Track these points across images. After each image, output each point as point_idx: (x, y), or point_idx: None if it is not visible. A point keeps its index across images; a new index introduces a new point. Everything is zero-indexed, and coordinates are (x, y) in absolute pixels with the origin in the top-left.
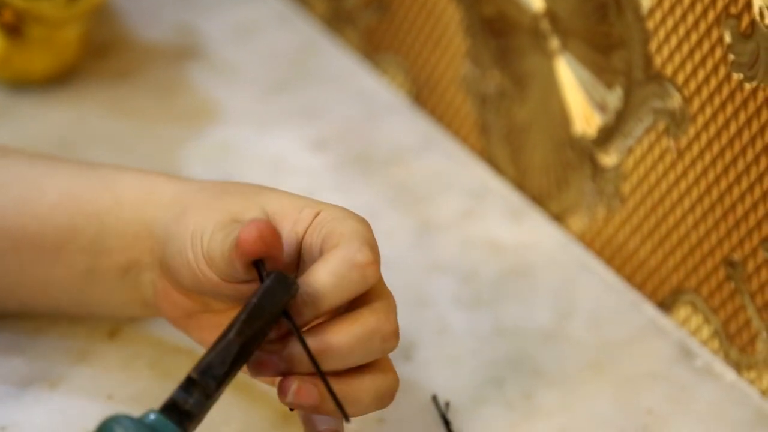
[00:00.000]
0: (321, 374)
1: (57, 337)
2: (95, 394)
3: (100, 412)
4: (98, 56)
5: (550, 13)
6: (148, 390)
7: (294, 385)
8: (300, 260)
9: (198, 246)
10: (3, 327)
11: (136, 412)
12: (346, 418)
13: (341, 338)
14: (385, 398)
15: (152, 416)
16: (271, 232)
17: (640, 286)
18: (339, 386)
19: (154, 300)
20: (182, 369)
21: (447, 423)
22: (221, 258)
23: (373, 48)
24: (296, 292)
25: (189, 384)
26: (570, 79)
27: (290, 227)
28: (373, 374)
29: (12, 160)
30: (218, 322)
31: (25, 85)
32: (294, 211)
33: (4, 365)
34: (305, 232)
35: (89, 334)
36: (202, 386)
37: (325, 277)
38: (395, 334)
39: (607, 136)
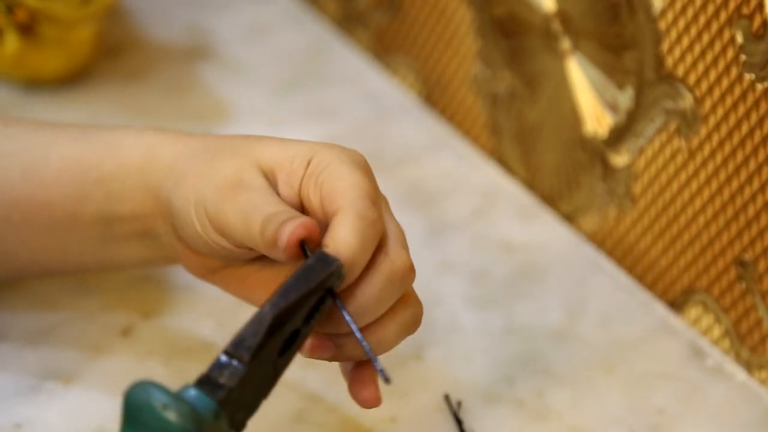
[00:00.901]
0: (369, 353)
1: (70, 334)
2: (109, 392)
3: (114, 410)
4: (111, 56)
5: (562, 14)
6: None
7: (308, 342)
8: (303, 210)
9: (203, 216)
10: (16, 325)
11: None
12: (387, 380)
13: (369, 297)
14: (412, 328)
15: (189, 391)
16: (313, 228)
17: (651, 286)
18: (368, 334)
19: (178, 258)
20: (195, 367)
21: (459, 422)
22: (255, 245)
23: (384, 48)
24: (338, 268)
25: (223, 358)
26: (581, 79)
27: (285, 179)
28: (397, 312)
29: (15, 129)
30: (243, 273)
31: (38, 84)
32: (286, 162)
33: (18, 363)
34: (300, 184)
35: (102, 331)
36: (236, 357)
37: (348, 247)
38: (411, 268)
39: (618, 136)
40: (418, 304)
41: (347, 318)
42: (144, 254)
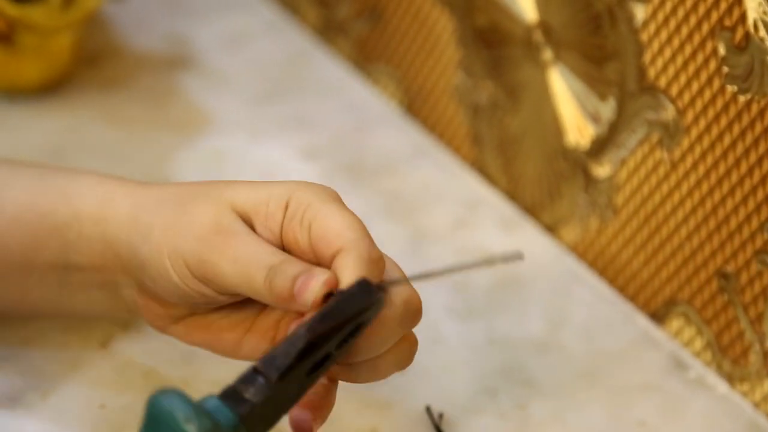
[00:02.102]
0: None
1: (48, 347)
2: (88, 404)
3: (92, 422)
4: (90, 65)
5: (544, 24)
6: (141, 400)
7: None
8: (286, 251)
9: (182, 267)
10: None
11: (129, 422)
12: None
13: (387, 334)
14: (406, 363)
15: (210, 401)
16: (335, 282)
17: (632, 298)
18: (367, 366)
19: (137, 311)
20: (176, 379)
21: None
22: (255, 295)
23: (365, 57)
24: (380, 300)
25: (251, 373)
26: (563, 90)
27: (262, 223)
28: (397, 347)
29: None
30: (208, 321)
31: (17, 93)
32: (262, 206)
33: None
34: (282, 227)
35: (81, 344)
36: (264, 376)
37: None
38: (420, 309)
39: (600, 147)
40: (415, 342)
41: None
42: (104, 304)
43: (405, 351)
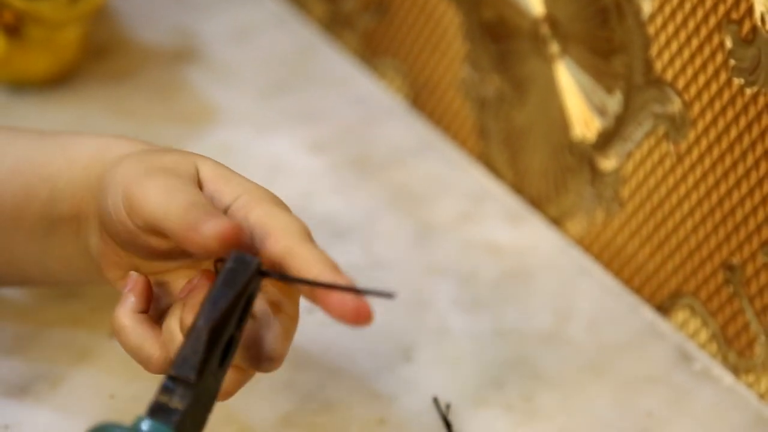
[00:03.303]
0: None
1: (57, 338)
2: (97, 394)
3: (102, 411)
4: (97, 58)
5: (550, 18)
6: (149, 389)
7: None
8: None
9: (119, 193)
10: (4, 328)
11: (139, 411)
12: (389, 295)
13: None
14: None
15: (143, 423)
16: (244, 236)
17: (638, 290)
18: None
19: (100, 263)
20: None
21: (448, 425)
22: (167, 223)
23: (372, 51)
24: (258, 266)
25: (170, 381)
26: (570, 83)
27: (209, 195)
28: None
29: None
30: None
31: (25, 85)
32: (220, 183)
33: (6, 365)
34: (226, 211)
35: (89, 335)
36: (181, 379)
37: (316, 267)
38: None
39: (606, 140)
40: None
41: (299, 279)
42: (78, 262)
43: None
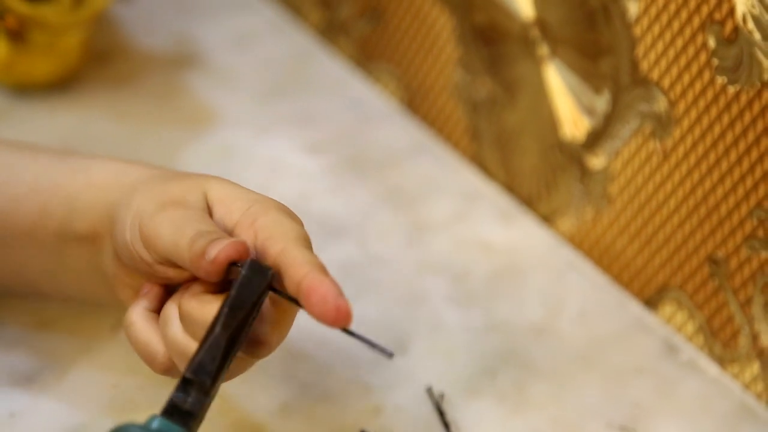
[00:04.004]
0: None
1: (63, 330)
2: (101, 384)
3: (106, 401)
4: (99, 62)
5: (540, 21)
6: (152, 381)
7: None
8: None
9: (136, 227)
10: (10, 320)
11: (141, 401)
12: (389, 355)
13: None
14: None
15: (156, 422)
16: (244, 250)
17: (627, 284)
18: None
19: (113, 284)
20: None
21: (441, 413)
22: (179, 256)
23: (367, 56)
24: (273, 277)
25: (185, 384)
26: (559, 84)
27: (220, 217)
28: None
29: None
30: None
31: (28, 89)
32: (229, 202)
33: (12, 356)
34: (235, 225)
35: (94, 327)
36: (197, 384)
37: (305, 268)
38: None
39: (595, 139)
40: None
41: (293, 301)
42: (91, 282)
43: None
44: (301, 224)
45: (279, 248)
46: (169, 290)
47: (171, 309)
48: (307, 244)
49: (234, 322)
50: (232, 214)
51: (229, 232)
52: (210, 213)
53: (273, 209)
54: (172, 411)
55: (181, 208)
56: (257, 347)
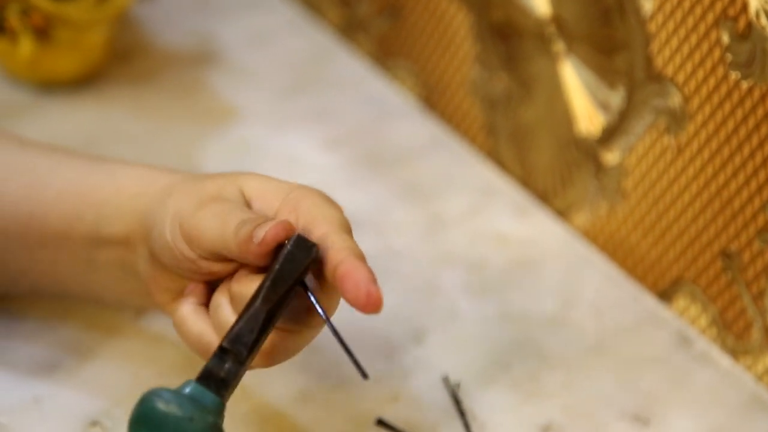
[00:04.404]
0: (340, 340)
1: (85, 319)
2: (122, 371)
3: (127, 388)
4: (122, 60)
5: (556, 18)
6: (173, 369)
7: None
8: None
9: (176, 226)
10: (34, 308)
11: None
12: (364, 375)
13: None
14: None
15: (190, 387)
16: (291, 228)
17: (641, 278)
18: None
19: (149, 288)
20: None
21: (457, 401)
22: (225, 246)
23: (385, 53)
24: (316, 254)
25: (222, 353)
26: (574, 80)
27: (259, 208)
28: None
29: (28, 151)
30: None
31: (52, 86)
32: (267, 194)
33: (38, 342)
34: (276, 213)
35: (115, 316)
36: (234, 354)
37: (342, 253)
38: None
39: (610, 134)
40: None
41: (320, 309)
42: (123, 285)
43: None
44: (341, 210)
45: (321, 232)
46: (212, 287)
47: (220, 296)
48: (348, 229)
49: (274, 296)
50: (271, 203)
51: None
52: (249, 206)
53: (313, 194)
54: (207, 377)
55: (220, 202)
56: (311, 317)
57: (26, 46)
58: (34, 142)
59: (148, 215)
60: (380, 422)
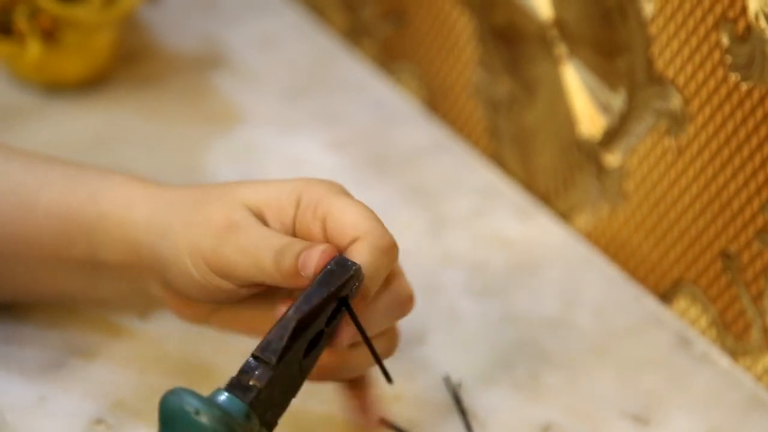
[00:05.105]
0: (373, 353)
1: (90, 317)
2: (129, 368)
3: (133, 386)
4: (128, 63)
5: (558, 21)
6: (178, 368)
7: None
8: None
9: (201, 264)
10: (39, 308)
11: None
12: (389, 380)
13: (377, 317)
14: (387, 354)
15: (220, 395)
16: (333, 252)
17: (642, 279)
18: (354, 353)
19: (165, 305)
20: (208, 347)
21: (459, 401)
22: (265, 278)
23: (389, 57)
24: (357, 271)
25: (251, 361)
26: (576, 83)
27: (274, 216)
28: (382, 336)
29: (8, 166)
30: (234, 314)
31: (59, 88)
32: (273, 201)
33: (42, 341)
34: (294, 220)
35: (120, 315)
36: (263, 361)
37: (368, 269)
38: (411, 298)
39: (611, 136)
40: (397, 336)
41: (359, 326)
42: (133, 297)
43: (387, 341)
44: (347, 193)
45: (349, 242)
46: None
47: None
48: (382, 230)
49: (306, 308)
50: (284, 210)
51: (291, 227)
52: (262, 220)
53: (323, 192)
54: (235, 386)
55: (237, 231)
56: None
57: (34, 48)
58: (17, 151)
59: (146, 249)
60: (382, 421)
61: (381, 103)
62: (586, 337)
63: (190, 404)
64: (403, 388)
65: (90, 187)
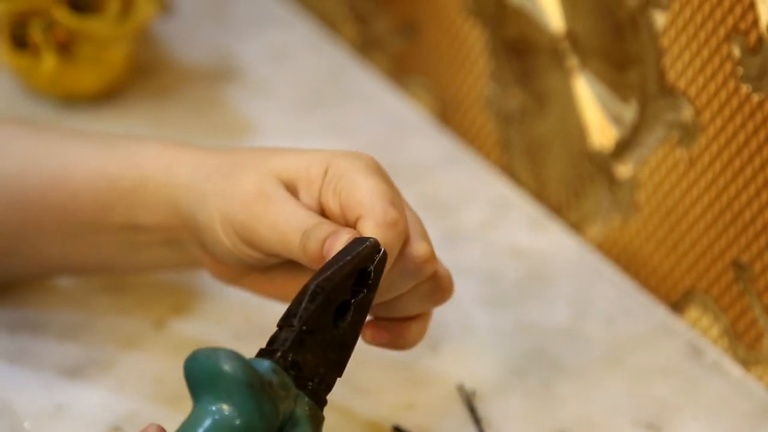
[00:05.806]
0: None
1: (107, 327)
2: (145, 377)
3: (150, 393)
4: (142, 75)
5: (570, 33)
6: None
7: (368, 331)
8: (324, 214)
9: (232, 233)
10: (56, 319)
11: (184, 394)
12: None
13: (391, 285)
14: (432, 298)
15: (264, 362)
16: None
17: (653, 289)
18: (390, 304)
19: (203, 264)
20: None
21: (472, 409)
22: (292, 256)
23: (401, 70)
24: (373, 243)
25: (276, 332)
26: (588, 95)
27: (305, 188)
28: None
29: (46, 138)
30: (269, 277)
31: (74, 100)
32: (303, 172)
33: (59, 350)
34: (320, 193)
35: (138, 323)
36: (286, 326)
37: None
38: (428, 259)
39: (623, 148)
40: (441, 279)
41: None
42: (171, 259)
43: (425, 288)
44: (381, 175)
45: (355, 218)
46: None
47: None
48: (386, 206)
49: (321, 275)
50: (313, 183)
51: (316, 201)
52: (293, 191)
53: (349, 169)
54: (262, 353)
55: (267, 203)
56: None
57: (49, 61)
58: (47, 127)
59: (186, 210)
60: (396, 429)
61: (393, 115)
62: (598, 346)
63: (216, 355)
64: (417, 397)
65: (129, 151)
